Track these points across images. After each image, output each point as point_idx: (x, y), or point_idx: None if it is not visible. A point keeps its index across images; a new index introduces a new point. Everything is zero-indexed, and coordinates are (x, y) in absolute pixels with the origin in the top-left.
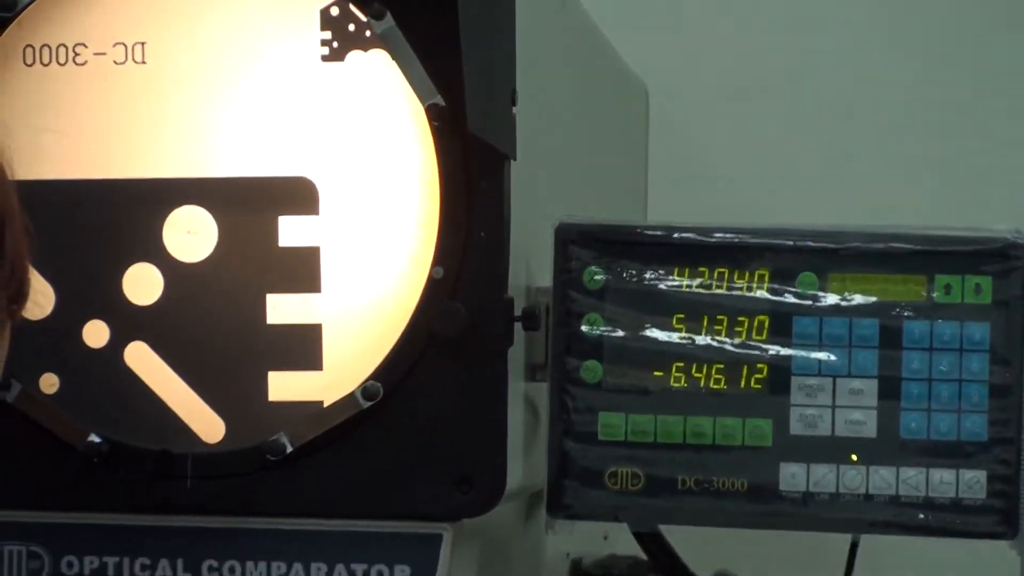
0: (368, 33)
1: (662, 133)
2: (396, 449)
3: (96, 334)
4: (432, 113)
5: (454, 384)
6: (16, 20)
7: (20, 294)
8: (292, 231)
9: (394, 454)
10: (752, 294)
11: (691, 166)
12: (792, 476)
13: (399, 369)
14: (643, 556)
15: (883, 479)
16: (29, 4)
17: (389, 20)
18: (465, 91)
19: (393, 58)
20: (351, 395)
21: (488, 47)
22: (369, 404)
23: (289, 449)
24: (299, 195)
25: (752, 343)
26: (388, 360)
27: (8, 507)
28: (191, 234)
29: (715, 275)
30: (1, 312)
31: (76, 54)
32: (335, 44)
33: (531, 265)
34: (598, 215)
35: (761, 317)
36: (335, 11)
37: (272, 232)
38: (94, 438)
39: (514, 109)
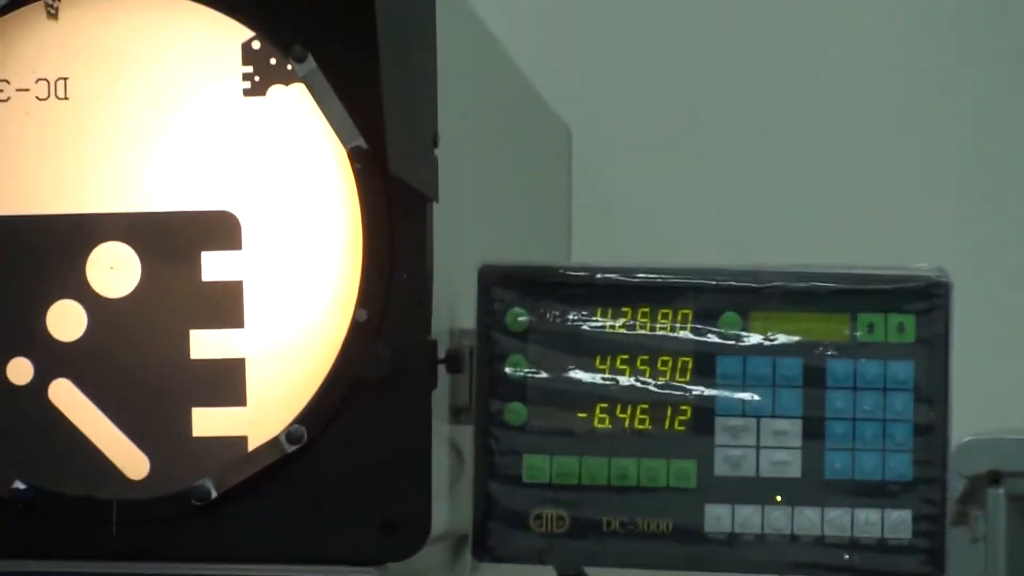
0: (289, 67)
1: (585, 173)
2: (321, 494)
3: (20, 371)
4: (354, 156)
5: (379, 427)
6: None
7: None
8: (215, 266)
9: (319, 499)
10: (675, 334)
11: (614, 206)
12: (717, 518)
13: (323, 412)
14: None
15: (808, 519)
16: None
17: (311, 63)
18: (386, 134)
19: (315, 100)
20: (275, 439)
21: (410, 90)
22: (294, 448)
23: (214, 494)
24: (222, 229)
25: (676, 384)
26: (312, 403)
27: None
28: (114, 270)
29: (638, 315)
30: None
31: None
32: (256, 78)
33: (455, 307)
34: (522, 256)
35: (685, 358)
36: (256, 44)
37: (195, 267)
38: (19, 484)
39: (436, 151)
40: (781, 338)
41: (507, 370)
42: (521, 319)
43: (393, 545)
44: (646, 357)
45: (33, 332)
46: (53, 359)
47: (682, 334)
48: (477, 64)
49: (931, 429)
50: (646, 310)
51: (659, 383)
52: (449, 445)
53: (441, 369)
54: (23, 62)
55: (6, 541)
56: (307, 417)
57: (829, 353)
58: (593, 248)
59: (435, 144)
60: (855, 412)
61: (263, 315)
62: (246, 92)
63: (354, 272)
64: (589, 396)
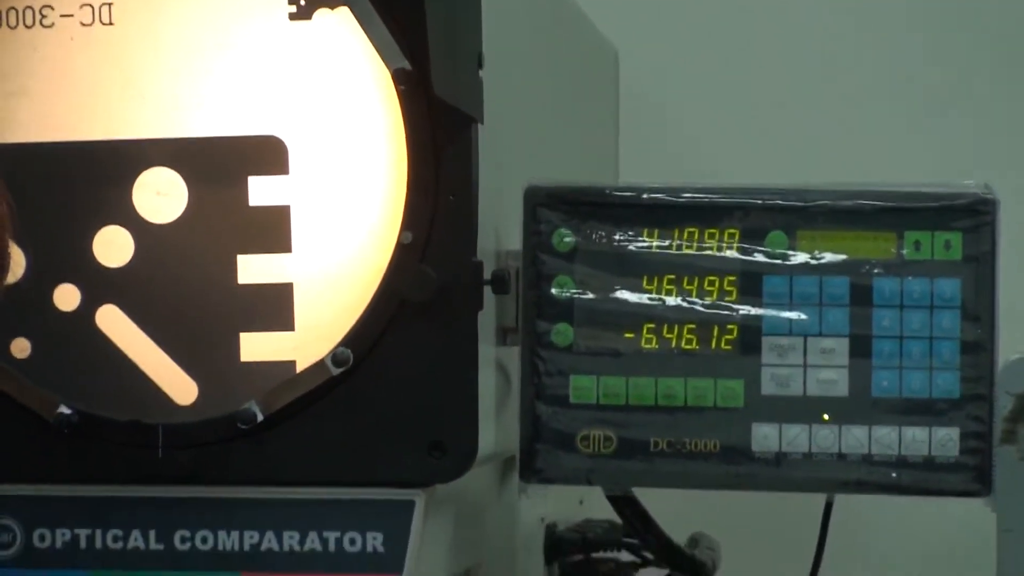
0: None
1: (632, 95)
2: (367, 415)
3: (67, 298)
4: (398, 77)
5: (425, 349)
6: None
7: (2, 268)
8: (262, 190)
9: (365, 421)
10: (722, 254)
11: (662, 128)
12: (764, 437)
13: (369, 335)
14: (618, 520)
15: (855, 438)
16: None
17: None
18: (430, 55)
19: (359, 22)
20: (321, 362)
21: (453, 11)
22: (339, 371)
23: (260, 417)
24: (269, 154)
25: (722, 303)
26: (358, 325)
27: None
28: (161, 195)
29: (685, 235)
30: None
31: (43, 16)
32: (302, 2)
33: (500, 229)
34: (569, 178)
35: (731, 277)
36: None
37: (242, 192)
38: (64, 409)
39: (480, 73)
40: (828, 256)
41: (553, 291)
42: (567, 239)
43: (440, 466)
44: (693, 277)
45: (80, 258)
46: (100, 285)
47: (728, 253)
48: None
49: (978, 347)
50: (692, 230)
51: (706, 303)
52: (495, 366)
53: (487, 290)
54: None
55: (52, 465)
56: (353, 340)
57: (876, 271)
58: (640, 169)
59: (480, 65)
60: (902, 330)
61: (310, 239)
62: (292, 16)
63: (399, 194)
64: (636, 316)
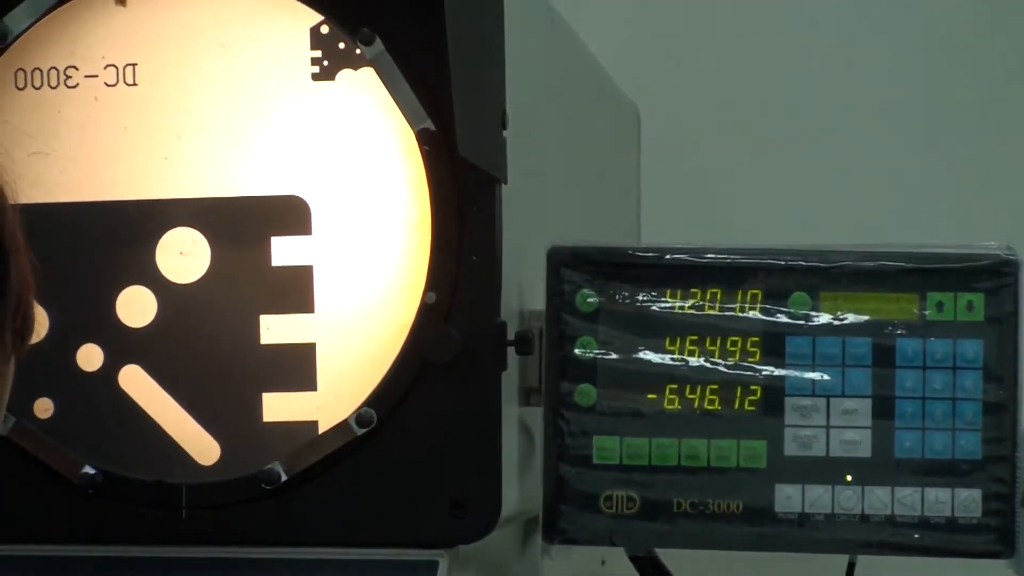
0: (358, 51)
1: (654, 155)
2: (391, 476)
3: (90, 357)
4: (422, 138)
5: (448, 410)
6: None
7: (25, 329)
8: (285, 250)
9: (389, 481)
10: (745, 315)
11: (684, 188)
12: (787, 498)
13: (393, 395)
14: None
15: (879, 499)
16: (21, 34)
17: (379, 45)
18: (455, 115)
19: (383, 83)
20: (345, 422)
21: (478, 71)
22: (363, 431)
23: (284, 478)
24: (291, 214)
25: (745, 364)
26: (382, 386)
27: (4, 541)
28: (184, 255)
29: (708, 296)
30: (5, 347)
31: (67, 77)
32: (325, 63)
33: (523, 289)
34: (591, 238)
35: (754, 338)
36: (325, 29)
37: (265, 252)
38: (88, 469)
39: (504, 133)
40: (850, 318)
41: (577, 351)
42: (591, 300)
43: (463, 527)
44: (716, 338)
45: (103, 318)
46: (123, 345)
47: (751, 314)
48: (545, 45)
49: (1001, 408)
50: (715, 291)
51: (728, 363)
52: (519, 427)
53: (510, 351)
54: (92, 48)
55: (76, 525)
56: (377, 400)
57: (899, 332)
58: (662, 229)
59: (504, 125)
60: (925, 391)
61: (333, 299)
62: (315, 77)
63: (423, 255)
64: (659, 377)
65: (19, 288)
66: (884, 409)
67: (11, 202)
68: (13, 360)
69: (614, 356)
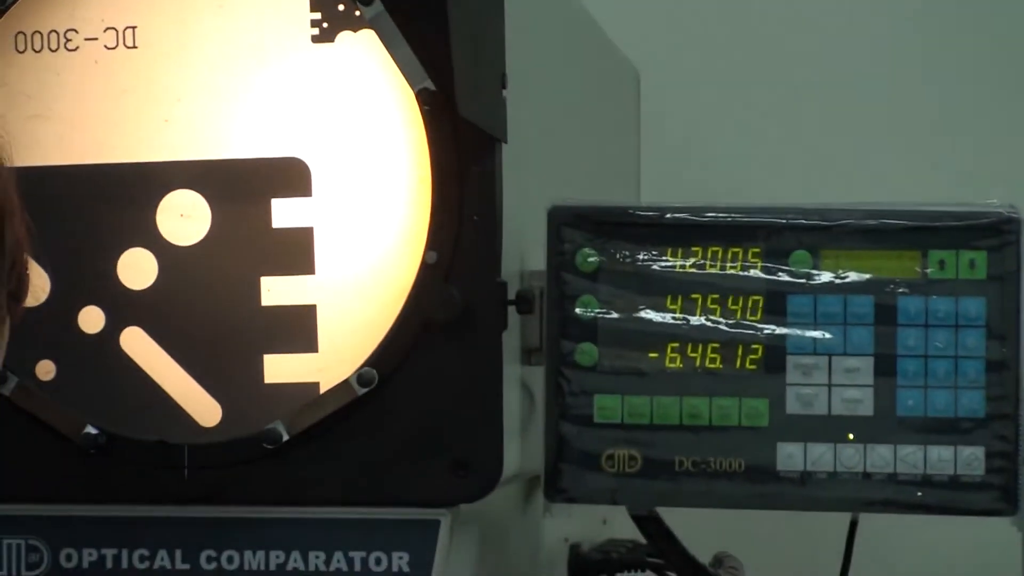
0: (357, 13)
1: (654, 116)
2: (392, 435)
3: (91, 320)
4: (422, 98)
5: (449, 369)
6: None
7: (20, 290)
8: (285, 213)
9: (390, 440)
10: (746, 273)
11: (683, 148)
12: (789, 456)
13: (394, 355)
14: (642, 539)
15: (881, 457)
16: None
17: (378, 5)
18: (454, 75)
19: (383, 43)
20: (346, 382)
21: (477, 31)
22: (364, 391)
23: (285, 438)
24: (292, 176)
25: (747, 323)
26: (383, 346)
27: (6, 501)
28: (184, 218)
29: (708, 255)
30: (1, 308)
31: (67, 40)
32: (325, 25)
33: (524, 248)
34: (591, 198)
35: (755, 296)
36: None
37: (265, 214)
38: (91, 430)
39: (504, 92)
40: (852, 276)
41: (577, 311)
42: (591, 259)
43: (465, 486)
44: (716, 296)
45: (104, 281)
46: (124, 307)
47: (752, 273)
48: (545, 6)
49: (1004, 365)
50: (716, 249)
51: (730, 322)
52: (520, 386)
53: (511, 310)
54: (91, 11)
55: (79, 485)
56: (378, 360)
57: (900, 290)
58: (662, 188)
59: (503, 85)
60: (927, 349)
61: (333, 261)
62: (315, 39)
63: (423, 215)
64: (660, 336)
65: (13, 249)
66: (886, 367)
67: (6, 164)
68: (8, 321)
69: (615, 315)
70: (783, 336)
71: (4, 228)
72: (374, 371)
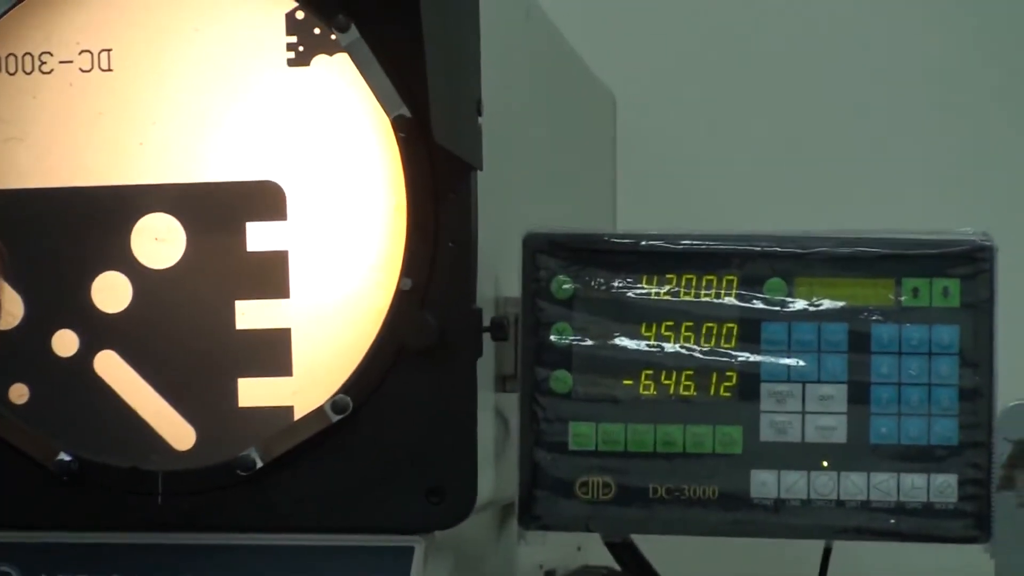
0: (333, 37)
1: (630, 142)
2: (366, 462)
3: (65, 343)
4: (398, 124)
5: (424, 396)
6: None
7: None
8: (260, 236)
9: (364, 467)
10: (720, 301)
11: (659, 174)
12: (763, 483)
13: (368, 381)
14: (616, 567)
15: (854, 484)
16: None
17: (354, 32)
18: (430, 102)
19: (358, 69)
20: (320, 409)
21: (453, 58)
22: (339, 418)
23: (259, 464)
24: (267, 200)
25: (721, 350)
26: (357, 372)
27: None
28: (159, 241)
29: (683, 282)
30: None
31: (42, 62)
32: (300, 48)
33: (499, 275)
34: (567, 224)
35: (730, 324)
36: (300, 15)
37: (240, 237)
38: (64, 456)
39: (480, 120)
40: (826, 303)
41: (552, 338)
42: (566, 287)
43: (439, 513)
44: (691, 324)
45: (78, 304)
46: (98, 331)
47: (727, 300)
48: (521, 33)
49: (977, 393)
50: (691, 277)
51: (704, 349)
52: (495, 413)
53: (486, 337)
54: (67, 34)
55: (51, 512)
56: (352, 386)
57: (874, 318)
58: (638, 216)
59: (479, 112)
60: (900, 377)
61: (308, 285)
62: (290, 62)
63: (399, 241)
64: (634, 363)
65: None
66: (860, 395)
67: None
68: None
69: (590, 342)
70: (757, 363)
71: None
72: (348, 398)
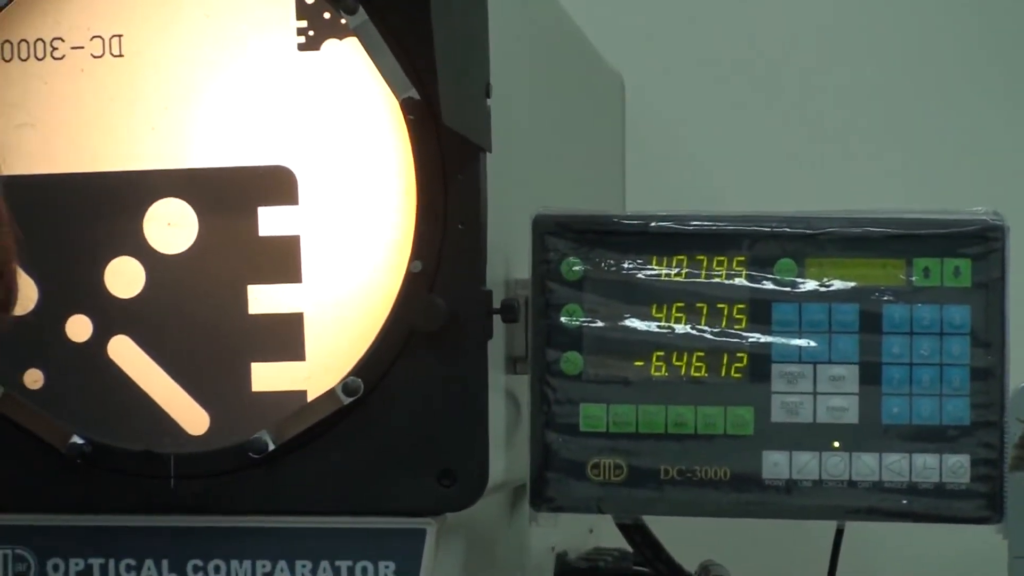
0: (343, 21)
1: (639, 123)
2: (378, 444)
3: (79, 328)
4: (407, 107)
5: (435, 378)
6: None
7: (8, 299)
8: (272, 221)
9: (376, 450)
10: (731, 282)
11: (668, 156)
12: (775, 464)
13: (379, 364)
14: (628, 548)
15: (866, 465)
16: (6, 6)
17: (362, 15)
18: (439, 84)
19: (367, 52)
20: (331, 391)
21: (461, 40)
22: (350, 400)
23: (271, 447)
24: (278, 185)
25: (732, 331)
26: (368, 355)
27: None
28: (171, 226)
29: (693, 263)
30: None
31: (54, 48)
32: (311, 33)
33: (509, 257)
34: (576, 206)
35: (740, 304)
36: (310, 0)
37: (252, 222)
38: (77, 439)
39: (488, 101)
40: (837, 284)
41: (563, 319)
42: (576, 268)
43: (451, 495)
44: (702, 305)
45: (91, 289)
46: (112, 316)
47: (737, 281)
48: (529, 15)
49: (989, 373)
50: (701, 258)
51: (715, 330)
52: (505, 395)
53: (496, 319)
54: (78, 19)
55: (66, 495)
56: (363, 369)
57: (885, 298)
58: (647, 197)
59: (487, 94)
60: (912, 357)
61: (320, 269)
62: (300, 47)
63: (408, 224)
64: (645, 344)
65: (1, 259)
66: (871, 375)
67: None
68: None
69: (600, 324)
70: (768, 344)
71: None
72: (359, 380)
